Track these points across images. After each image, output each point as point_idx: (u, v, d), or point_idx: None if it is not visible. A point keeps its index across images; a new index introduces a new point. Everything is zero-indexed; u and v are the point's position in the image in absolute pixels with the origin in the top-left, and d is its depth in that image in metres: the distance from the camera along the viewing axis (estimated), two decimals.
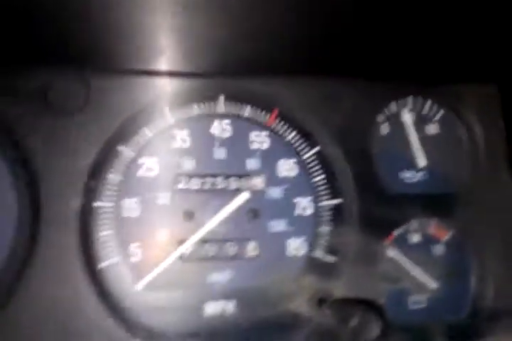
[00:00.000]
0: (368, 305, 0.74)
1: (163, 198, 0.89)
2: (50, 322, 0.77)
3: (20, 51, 0.76)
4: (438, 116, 1.04)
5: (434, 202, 0.99)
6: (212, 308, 0.88)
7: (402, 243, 0.97)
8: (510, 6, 0.67)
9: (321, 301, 0.80)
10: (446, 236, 1.00)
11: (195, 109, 0.93)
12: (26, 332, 0.76)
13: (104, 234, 0.85)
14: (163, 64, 0.88)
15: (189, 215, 0.89)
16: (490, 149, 1.01)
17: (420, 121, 1.03)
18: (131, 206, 0.87)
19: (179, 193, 0.90)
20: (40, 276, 0.79)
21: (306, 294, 0.86)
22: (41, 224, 0.80)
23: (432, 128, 1.04)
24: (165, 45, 0.80)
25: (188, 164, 0.91)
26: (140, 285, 0.85)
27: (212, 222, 0.89)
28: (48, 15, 0.65)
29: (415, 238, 0.99)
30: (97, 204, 0.85)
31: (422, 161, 1.01)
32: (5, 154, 0.81)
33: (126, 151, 0.88)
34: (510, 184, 0.99)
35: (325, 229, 0.94)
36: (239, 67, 0.92)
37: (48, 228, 0.80)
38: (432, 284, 0.97)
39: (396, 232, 0.97)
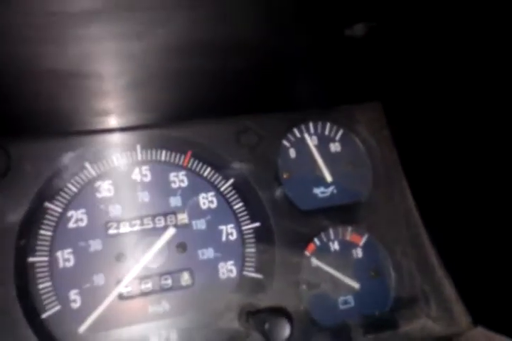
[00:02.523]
0: (275, 311, 0.83)
1: (96, 245, 0.96)
2: None
3: None
4: (338, 136, 1.17)
5: (345, 211, 1.10)
6: (157, 339, 0.94)
7: (324, 252, 1.07)
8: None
9: (248, 315, 0.88)
10: (361, 241, 1.11)
11: (115, 161, 1.02)
12: None
13: (43, 286, 0.91)
14: (77, 124, 0.97)
15: (122, 257, 0.97)
16: (385, 159, 1.14)
17: (323, 142, 1.16)
18: (65, 257, 0.94)
19: (110, 238, 0.98)
20: None
21: (236, 310, 0.94)
22: None
23: (335, 147, 1.17)
24: (77, 107, 0.90)
25: (116, 210, 0.99)
26: (82, 329, 0.91)
27: (144, 260, 0.97)
28: None
29: (335, 246, 1.09)
30: (31, 259, 0.92)
31: (329, 177, 1.14)
32: None
33: (53, 207, 0.96)
34: (407, 189, 1.12)
35: (251, 249, 1.04)
36: (152, 118, 1.03)
37: None
38: (356, 285, 1.07)
39: (317, 243, 1.07)
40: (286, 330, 0.76)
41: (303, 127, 1.15)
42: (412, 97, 1.08)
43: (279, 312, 0.80)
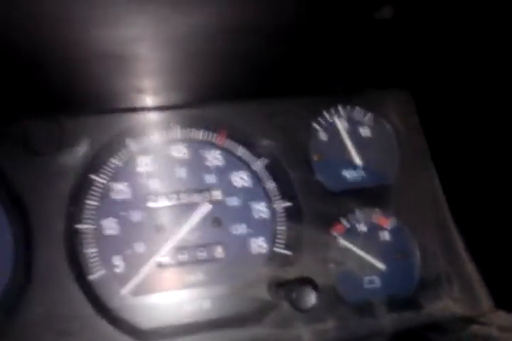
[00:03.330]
0: (303, 281, 0.88)
1: (136, 216, 1.03)
2: (51, 329, 0.91)
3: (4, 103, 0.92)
4: (367, 120, 1.20)
5: (372, 194, 1.14)
6: (191, 306, 1.01)
7: (351, 232, 1.12)
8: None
9: (277, 286, 0.94)
10: (388, 223, 1.15)
11: (156, 138, 1.08)
12: (31, 338, 0.89)
13: (90, 251, 0.99)
14: (122, 102, 1.04)
15: (161, 228, 1.04)
16: (413, 143, 1.17)
17: (353, 126, 1.19)
18: (109, 225, 1.01)
19: (150, 210, 1.04)
20: (38, 291, 0.92)
21: (266, 282, 1.00)
22: (34, 247, 0.94)
23: (364, 131, 1.20)
24: (121, 87, 0.96)
25: (154, 184, 1.06)
26: (125, 291, 0.98)
27: (181, 232, 1.04)
28: (26, 68, 0.79)
29: (362, 227, 1.14)
30: (79, 226, 0.99)
31: (358, 160, 1.17)
32: None
33: (99, 179, 1.03)
34: (434, 173, 1.15)
35: (281, 227, 1.09)
36: (190, 98, 1.09)
37: (40, 250, 0.94)
38: (382, 265, 1.11)
39: (345, 223, 1.12)
40: (311, 299, 0.81)
41: (333, 110, 1.18)
42: (441, 83, 1.10)
43: (306, 282, 0.85)
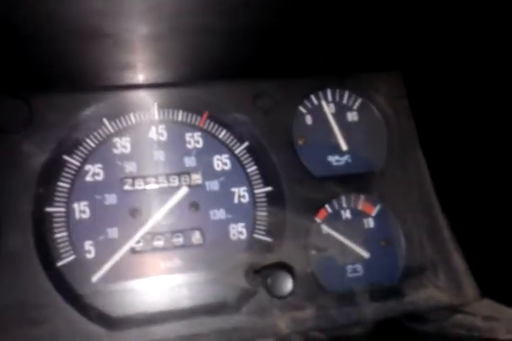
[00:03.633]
0: (278, 266, 0.84)
1: (111, 199, 0.99)
2: (18, 318, 0.86)
3: None
4: (356, 105, 1.16)
5: (358, 180, 1.11)
6: (166, 294, 0.97)
7: (335, 219, 1.08)
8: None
9: (255, 273, 0.90)
10: (373, 210, 1.11)
11: (133, 118, 1.03)
12: None
13: (59, 235, 0.94)
14: (97, 79, 0.98)
15: (136, 212, 0.99)
16: (401, 129, 1.13)
17: (341, 110, 1.15)
18: (81, 209, 0.97)
19: (125, 193, 1.00)
20: (5, 278, 0.87)
21: (244, 268, 0.96)
22: (1, 229, 0.89)
23: (352, 116, 1.16)
24: (97, 62, 0.91)
25: (131, 167, 1.01)
26: (96, 278, 0.94)
27: (157, 217, 0.99)
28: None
29: (347, 214, 1.10)
30: (48, 209, 0.94)
31: (344, 146, 1.13)
32: None
33: (71, 160, 0.98)
34: (422, 160, 1.11)
35: (262, 213, 1.05)
36: (170, 77, 1.03)
37: (7, 234, 0.89)
38: (365, 253, 1.08)
39: (329, 210, 1.08)
40: (288, 285, 0.77)
41: (320, 94, 1.14)
42: (432, 67, 1.06)
43: (283, 267, 0.82)
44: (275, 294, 0.78)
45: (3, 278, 0.88)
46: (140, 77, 1.01)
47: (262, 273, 0.84)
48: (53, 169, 0.96)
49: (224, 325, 0.90)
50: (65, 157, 0.98)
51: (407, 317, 0.91)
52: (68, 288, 0.91)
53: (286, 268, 0.83)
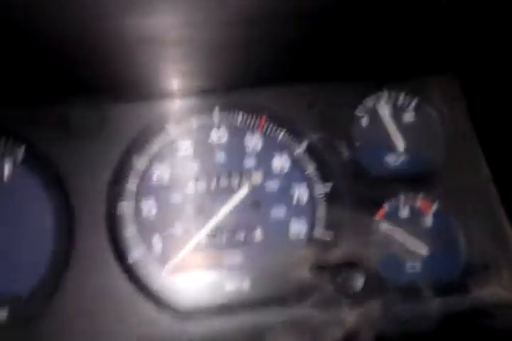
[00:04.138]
0: (351, 265, 0.85)
1: (176, 198, 1.04)
2: (92, 310, 0.91)
3: (42, 87, 0.94)
4: (412, 106, 1.17)
5: (416, 180, 1.10)
6: (229, 287, 1.00)
7: (393, 217, 1.08)
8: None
9: (320, 269, 0.91)
10: (431, 208, 1.10)
11: (195, 122, 1.09)
12: (72, 319, 0.90)
13: (129, 232, 1.00)
14: (163, 86, 1.04)
15: (200, 211, 1.04)
16: (459, 128, 1.13)
17: (397, 111, 1.16)
18: (148, 207, 1.02)
19: (189, 193, 1.04)
20: (80, 272, 0.93)
21: (308, 264, 0.97)
22: (76, 229, 0.95)
23: (408, 117, 1.17)
24: (160, 71, 0.97)
25: (194, 168, 1.06)
26: (164, 272, 0.99)
27: (220, 215, 1.03)
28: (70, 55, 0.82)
29: (405, 212, 1.10)
30: (119, 208, 1.00)
31: (401, 146, 1.14)
32: (39, 174, 0.98)
33: (139, 162, 1.04)
34: (481, 157, 1.10)
35: (321, 211, 1.07)
36: (229, 82, 1.08)
37: (82, 232, 0.96)
38: (424, 251, 1.07)
39: (387, 208, 1.08)
40: (358, 283, 0.79)
41: (376, 97, 1.16)
42: (489, 69, 1.06)
43: (352, 266, 0.83)
44: (345, 292, 0.79)
45: (78, 274, 0.94)
46: (200, 85, 1.06)
47: (331, 270, 0.86)
48: (123, 171, 1.02)
49: (288, 317, 0.91)
50: (134, 159, 1.03)
51: (474, 313, 0.89)
52: (140, 282, 0.96)
53: (355, 267, 0.84)
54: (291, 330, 0.85)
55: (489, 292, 0.96)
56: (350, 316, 0.86)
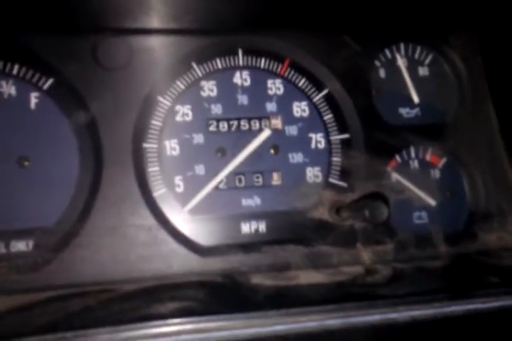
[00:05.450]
0: (373, 195, 0.91)
1: (198, 139, 1.05)
2: (117, 234, 0.94)
3: (74, 18, 0.92)
4: (428, 60, 1.19)
5: (427, 131, 1.15)
6: (247, 227, 1.05)
7: (404, 169, 1.13)
8: None
9: (338, 209, 0.96)
10: (440, 162, 1.16)
11: (219, 63, 1.08)
12: (96, 248, 0.94)
13: (153, 169, 1.01)
14: (190, 23, 1.02)
15: (221, 152, 1.06)
16: (473, 83, 1.16)
17: (413, 65, 1.18)
18: (171, 146, 1.03)
19: (211, 134, 1.06)
20: (106, 203, 0.95)
21: (326, 205, 1.02)
22: (103, 163, 0.96)
23: (424, 71, 1.19)
24: (193, 7, 0.95)
25: (217, 109, 1.07)
26: (185, 210, 1.02)
27: (240, 157, 1.05)
28: None
29: (415, 164, 1.15)
30: (144, 145, 1.01)
31: (416, 98, 1.17)
32: (66, 103, 0.97)
33: (164, 101, 1.04)
34: (492, 113, 1.14)
35: (337, 158, 1.10)
36: (254, 23, 1.07)
37: (110, 166, 0.97)
38: (432, 202, 1.13)
39: (398, 159, 1.13)
40: (385, 213, 0.84)
41: (394, 48, 1.17)
42: (509, 29, 1.07)
43: (377, 196, 0.88)
44: (374, 220, 0.84)
45: (106, 203, 0.96)
46: (226, 25, 1.05)
47: (355, 205, 0.90)
48: (148, 108, 1.02)
49: (309, 252, 0.97)
50: (159, 97, 1.03)
51: (482, 254, 0.97)
52: (162, 215, 0.99)
53: (379, 197, 0.89)
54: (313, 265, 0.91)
55: (495, 237, 1.04)
56: (366, 253, 0.92)
